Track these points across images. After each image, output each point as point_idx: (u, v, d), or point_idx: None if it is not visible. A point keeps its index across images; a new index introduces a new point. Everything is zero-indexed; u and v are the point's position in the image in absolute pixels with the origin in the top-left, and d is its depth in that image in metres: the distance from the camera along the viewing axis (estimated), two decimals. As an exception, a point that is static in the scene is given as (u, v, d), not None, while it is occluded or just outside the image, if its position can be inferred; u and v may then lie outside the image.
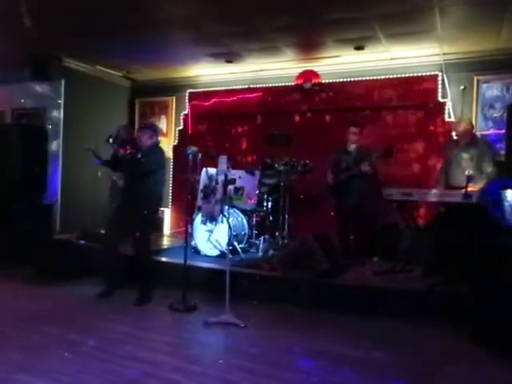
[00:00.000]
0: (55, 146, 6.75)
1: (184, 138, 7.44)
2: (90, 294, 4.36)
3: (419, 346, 3.29)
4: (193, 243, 5.48)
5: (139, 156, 4.25)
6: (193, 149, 4.45)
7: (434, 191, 4.39)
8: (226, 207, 3.91)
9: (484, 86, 5.72)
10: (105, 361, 2.84)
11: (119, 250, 4.48)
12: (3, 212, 5.79)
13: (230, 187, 3.74)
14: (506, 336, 3.11)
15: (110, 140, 5.42)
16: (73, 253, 5.45)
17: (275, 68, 6.70)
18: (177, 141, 7.61)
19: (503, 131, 5.51)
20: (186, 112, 7.53)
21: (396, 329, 3.62)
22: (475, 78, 5.72)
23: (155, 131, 4.60)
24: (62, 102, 6.84)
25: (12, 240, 5.53)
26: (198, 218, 5.41)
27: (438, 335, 3.49)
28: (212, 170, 3.80)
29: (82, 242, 5.94)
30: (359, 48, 5.74)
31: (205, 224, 3.96)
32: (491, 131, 5.67)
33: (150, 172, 4.25)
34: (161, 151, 4.52)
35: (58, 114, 6.84)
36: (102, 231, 5.82)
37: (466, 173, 3.99)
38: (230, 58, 6.43)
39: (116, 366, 2.76)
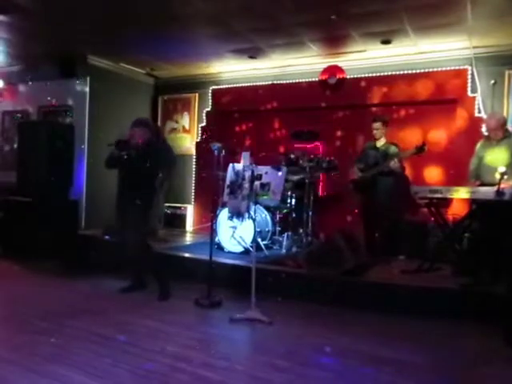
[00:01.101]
0: (81, 142, 6.84)
1: (207, 134, 7.45)
2: (115, 289, 4.40)
3: (451, 347, 3.21)
4: (216, 239, 5.48)
5: (133, 155, 4.16)
6: (218, 145, 4.45)
7: (464, 188, 4.27)
8: (252, 203, 3.88)
9: (516, 80, 5.54)
10: (134, 355, 2.85)
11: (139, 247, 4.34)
12: (32, 208, 5.90)
13: (257, 183, 3.69)
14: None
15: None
16: (98, 248, 5.54)
17: (299, 63, 6.63)
18: (199, 137, 7.62)
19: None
20: (208, 109, 7.54)
21: (426, 328, 3.54)
22: (507, 72, 5.54)
23: (148, 126, 4.49)
24: (87, 99, 6.93)
25: (40, 234, 5.63)
26: (222, 214, 5.42)
27: (471, 335, 3.40)
28: (239, 166, 3.76)
29: (107, 237, 6.03)
30: (386, 42, 5.63)
31: (231, 220, 3.94)
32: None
33: (144, 176, 4.21)
34: (156, 152, 4.40)
35: (84, 111, 6.94)
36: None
37: (499, 169, 3.86)
38: (253, 53, 6.39)
39: (145, 361, 2.77)
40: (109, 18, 5.32)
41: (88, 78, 6.88)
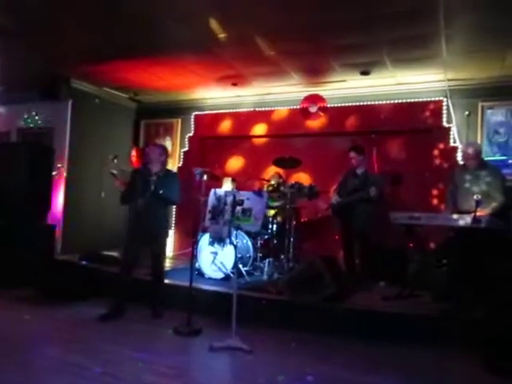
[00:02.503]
0: (60, 165, 6.75)
1: (189, 159, 7.46)
2: (93, 316, 4.27)
3: (434, 374, 3.21)
4: (197, 265, 5.41)
5: (154, 179, 4.30)
6: (200, 170, 4.47)
7: (442, 215, 4.36)
8: (233, 229, 3.88)
9: (488, 112, 5.76)
10: (110, 385, 2.76)
11: (132, 273, 4.47)
12: (7, 231, 5.73)
13: (238, 208, 3.69)
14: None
15: (115, 160, 5.46)
16: (76, 274, 5.38)
17: (281, 91, 6.78)
18: (181, 162, 7.62)
19: (507, 157, 5.59)
20: (191, 134, 7.58)
21: (408, 355, 3.53)
22: (480, 104, 5.78)
23: (165, 150, 4.68)
24: (68, 122, 6.89)
25: (15, 259, 5.45)
26: (203, 240, 5.37)
27: (452, 362, 3.41)
28: (220, 191, 3.77)
29: (85, 262, 5.89)
30: (365, 73, 5.81)
31: (212, 245, 3.91)
32: (496, 157, 5.69)
33: (173, 203, 4.38)
34: (177, 179, 4.62)
35: (64, 134, 6.88)
36: (114, 253, 5.83)
37: (475, 197, 3.95)
38: (236, 81, 6.50)
39: (122, 391, 2.68)
40: (94, 44, 5.37)
41: (70, 101, 6.86)
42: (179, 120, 7.79)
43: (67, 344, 3.55)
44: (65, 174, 6.77)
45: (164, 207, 4.56)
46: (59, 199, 6.75)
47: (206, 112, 7.48)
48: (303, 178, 6.20)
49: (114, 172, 4.84)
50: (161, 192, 4.28)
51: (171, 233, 7.43)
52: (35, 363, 3.11)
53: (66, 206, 6.74)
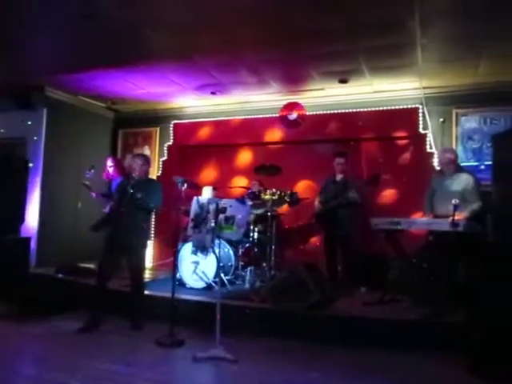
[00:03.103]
0: (35, 176, 6.57)
1: (168, 168, 7.39)
2: (70, 330, 4.15)
3: (417, 377, 3.22)
4: (178, 275, 5.32)
5: (130, 188, 4.25)
6: (180, 178, 4.42)
7: (421, 220, 4.43)
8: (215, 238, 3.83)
9: (462, 118, 5.92)
10: (91, 401, 2.66)
11: (107, 285, 4.41)
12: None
13: (221, 216, 3.65)
14: (503, 366, 3.07)
15: (92, 171, 5.37)
16: (51, 287, 5.22)
17: (260, 100, 6.80)
18: (160, 171, 7.54)
19: (480, 163, 5.74)
20: (170, 143, 7.51)
21: (391, 360, 3.54)
22: (454, 111, 5.93)
23: (147, 160, 4.67)
24: (43, 131, 6.73)
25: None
26: (184, 250, 5.30)
27: (435, 365, 3.42)
28: (203, 199, 3.73)
29: (61, 275, 5.72)
30: (343, 81, 5.89)
31: (195, 254, 3.86)
32: (470, 162, 5.82)
33: (150, 209, 4.36)
34: (160, 186, 4.60)
35: (39, 144, 6.71)
36: (91, 265, 5.69)
37: (453, 201, 4.03)
38: (215, 89, 6.49)
39: (103, 407, 2.59)
40: (68, 52, 5.29)
41: (45, 110, 6.70)
42: (158, 129, 7.71)
43: (43, 360, 3.43)
44: (39, 185, 6.58)
45: (143, 217, 4.47)
46: (34, 211, 6.56)
47: (185, 121, 7.44)
48: (283, 185, 6.17)
49: (87, 183, 4.79)
50: (138, 196, 4.20)
51: (150, 243, 7.32)
52: (11, 381, 2.97)
53: (41, 218, 6.54)
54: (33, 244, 6.34)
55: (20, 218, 6.22)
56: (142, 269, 4.59)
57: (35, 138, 6.68)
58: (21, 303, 4.90)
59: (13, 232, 6.08)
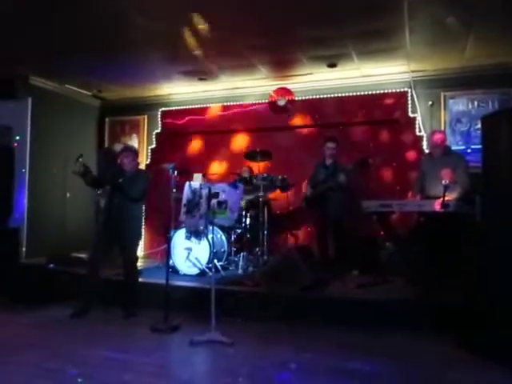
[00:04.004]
0: (22, 166, 6.46)
1: (157, 156, 7.32)
2: (63, 319, 4.15)
3: (412, 355, 3.28)
4: (171, 263, 5.31)
5: (121, 181, 4.31)
6: (171, 165, 4.38)
7: (412, 202, 4.48)
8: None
9: (451, 101, 5.96)
10: (90, 387, 2.66)
11: (100, 273, 4.42)
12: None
13: (214, 201, 3.65)
14: (493, 341, 3.15)
15: (80, 159, 5.30)
16: (42, 277, 5.19)
17: (249, 86, 6.74)
18: (149, 160, 7.47)
19: (468, 146, 5.81)
20: (158, 130, 7.44)
21: (386, 339, 3.61)
22: (442, 94, 5.97)
23: (137, 154, 4.70)
24: (28, 121, 6.60)
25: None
26: (176, 237, 5.29)
27: (429, 343, 3.49)
28: (195, 184, 3.71)
29: (51, 265, 5.67)
30: (332, 65, 5.88)
31: (189, 239, 3.85)
32: (459, 146, 5.88)
33: (132, 200, 4.35)
34: (145, 179, 4.62)
35: (25, 134, 6.58)
36: (82, 254, 5.65)
37: (443, 182, 4.09)
38: (203, 75, 6.42)
39: (102, 392, 2.59)
40: (51, 39, 5.16)
41: (29, 99, 6.57)
42: (145, 117, 7.61)
43: (38, 349, 3.41)
44: (27, 175, 6.48)
45: (136, 207, 4.49)
46: (23, 201, 6.46)
47: (173, 108, 7.36)
48: (274, 170, 6.17)
49: (77, 170, 4.70)
50: (120, 180, 4.28)
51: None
52: (7, 371, 2.95)
53: (29, 209, 6.45)
54: (22, 235, 6.28)
55: (8, 209, 6.15)
56: (134, 258, 4.58)
57: (21, 126, 6.54)
58: (12, 293, 4.86)
59: (1, 223, 6.00)
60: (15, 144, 6.37)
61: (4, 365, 3.04)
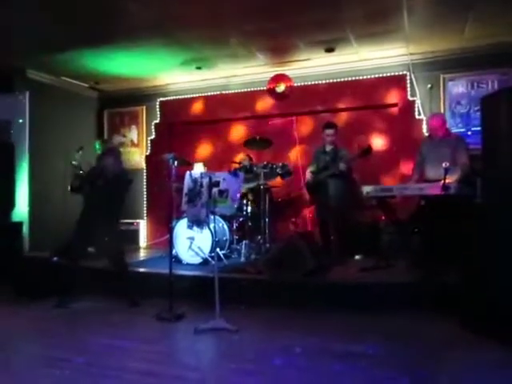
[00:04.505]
0: (22, 160, 6.46)
1: (157, 147, 7.32)
2: (66, 311, 4.22)
3: (415, 336, 3.30)
4: (173, 252, 5.34)
5: (100, 184, 4.40)
6: (171, 155, 4.38)
7: (413, 185, 4.47)
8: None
9: (450, 83, 5.92)
10: (98, 375, 2.69)
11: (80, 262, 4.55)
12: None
13: (215, 190, 3.65)
14: (493, 320, 3.17)
15: (80, 152, 5.31)
16: (47, 270, 5.21)
17: (247, 73, 6.71)
18: (149, 150, 7.47)
19: (468, 128, 5.78)
20: (157, 121, 7.42)
21: (389, 322, 3.63)
22: (441, 77, 5.92)
23: (117, 155, 4.69)
24: (27, 115, 6.58)
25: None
26: (179, 226, 5.31)
27: (431, 324, 3.51)
28: (196, 173, 3.71)
29: (55, 258, 5.71)
30: (330, 50, 5.83)
31: (191, 229, 3.86)
32: (459, 128, 5.86)
33: (110, 202, 4.42)
34: (124, 181, 4.63)
35: (24, 128, 6.57)
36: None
37: (443, 165, 4.07)
38: (200, 64, 6.39)
39: (110, 380, 2.63)
40: (47, 32, 5.13)
41: (27, 93, 6.54)
42: (144, 107, 7.59)
43: (44, 339, 3.46)
44: (27, 170, 6.49)
45: (111, 205, 4.50)
46: (24, 196, 6.48)
47: (172, 98, 7.34)
48: (274, 158, 6.17)
49: (75, 163, 4.75)
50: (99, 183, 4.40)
51: (144, 223, 7.33)
52: (16, 361, 3.01)
53: (31, 202, 6.48)
54: (25, 229, 6.31)
55: (10, 203, 6.17)
56: (118, 247, 4.64)
57: (20, 120, 6.53)
58: (17, 286, 4.91)
59: (4, 217, 6.03)
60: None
61: (11, 356, 3.08)
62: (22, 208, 6.40)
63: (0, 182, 5.98)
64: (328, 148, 5.41)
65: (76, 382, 2.60)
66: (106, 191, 4.38)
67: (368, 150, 4.91)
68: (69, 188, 4.72)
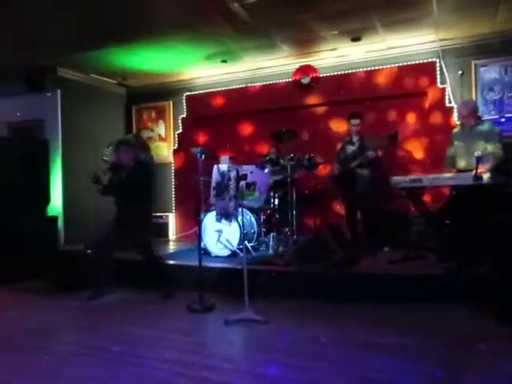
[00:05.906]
0: (55, 156, 6.68)
1: (184, 141, 7.41)
2: (102, 303, 4.36)
3: (446, 328, 3.27)
4: (202, 245, 5.42)
5: (123, 176, 4.47)
6: (199, 148, 4.44)
7: (444, 175, 4.38)
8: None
9: (482, 69, 5.74)
10: (133, 364, 2.79)
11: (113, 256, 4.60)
12: (10, 227, 5.70)
13: (242, 183, 3.69)
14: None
15: (110, 147, 5.44)
16: (81, 263, 5.39)
17: (272, 65, 6.70)
18: (177, 145, 7.57)
19: (501, 115, 5.60)
20: (184, 115, 7.51)
21: (419, 314, 3.60)
22: (473, 63, 5.75)
23: (130, 145, 4.71)
24: (59, 112, 6.79)
25: (21, 254, 5.45)
26: (207, 219, 5.39)
27: (462, 317, 3.46)
28: (223, 167, 3.76)
29: (89, 251, 5.89)
30: (356, 39, 5.75)
31: (219, 222, 3.92)
32: (491, 115, 5.68)
33: (135, 194, 4.43)
34: (143, 169, 4.66)
35: (56, 125, 6.79)
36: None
37: (475, 154, 3.97)
38: (225, 57, 6.41)
39: (146, 368, 2.72)
40: (78, 30, 5.26)
41: (59, 91, 6.74)
42: (170, 102, 7.70)
43: (82, 330, 3.60)
44: (61, 166, 6.70)
45: (137, 197, 4.50)
46: (58, 191, 6.71)
47: (198, 92, 7.40)
48: (300, 150, 6.16)
49: (106, 159, 4.86)
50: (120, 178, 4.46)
51: (172, 216, 7.45)
52: (56, 349, 3.15)
53: (65, 197, 6.70)
54: (60, 223, 6.54)
55: (46, 198, 6.40)
56: (147, 241, 4.70)
57: (52, 118, 6.74)
58: (53, 279, 5.10)
59: (41, 212, 6.26)
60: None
61: (54, 345, 3.24)
62: (56, 203, 6.63)
63: (36, 178, 6.20)
64: (354, 138, 5.37)
65: (113, 371, 2.70)
66: (128, 181, 4.45)
67: (395, 135, 4.86)
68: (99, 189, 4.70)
